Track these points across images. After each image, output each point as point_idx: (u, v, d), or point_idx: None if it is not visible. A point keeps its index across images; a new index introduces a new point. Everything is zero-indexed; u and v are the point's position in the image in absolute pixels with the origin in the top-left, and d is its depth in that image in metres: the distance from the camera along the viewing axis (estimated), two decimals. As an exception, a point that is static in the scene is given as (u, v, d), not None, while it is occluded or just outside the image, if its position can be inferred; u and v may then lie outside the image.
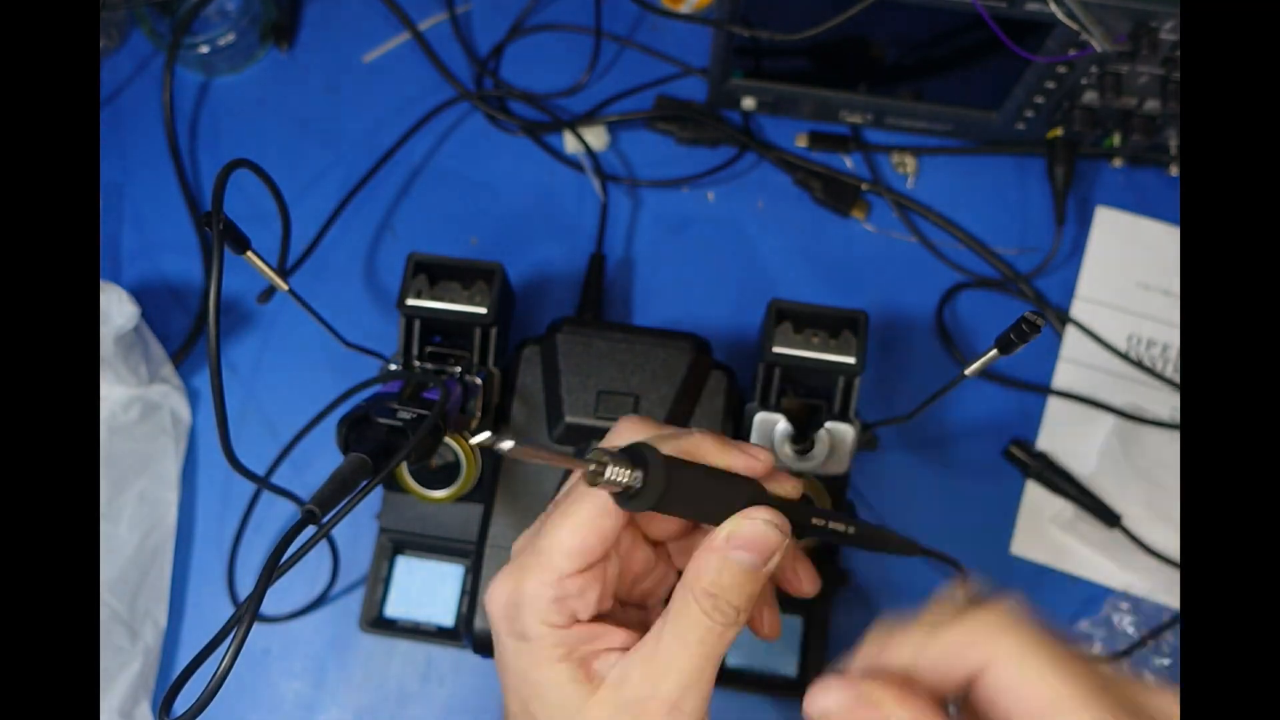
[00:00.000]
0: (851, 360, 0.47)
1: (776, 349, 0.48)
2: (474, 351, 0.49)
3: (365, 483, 0.37)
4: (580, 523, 0.32)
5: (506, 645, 0.33)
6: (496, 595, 0.33)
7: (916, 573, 0.55)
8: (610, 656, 0.32)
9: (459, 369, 0.49)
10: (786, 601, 0.51)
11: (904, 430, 0.56)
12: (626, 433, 0.35)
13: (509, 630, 0.33)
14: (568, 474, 0.48)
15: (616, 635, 0.33)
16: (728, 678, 0.50)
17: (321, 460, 0.57)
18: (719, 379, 0.49)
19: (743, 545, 0.31)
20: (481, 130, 0.63)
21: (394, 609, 0.53)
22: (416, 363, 0.49)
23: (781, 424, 0.48)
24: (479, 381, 0.47)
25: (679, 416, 0.48)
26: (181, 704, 0.30)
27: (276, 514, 0.56)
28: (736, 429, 0.49)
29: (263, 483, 0.40)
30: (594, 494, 0.32)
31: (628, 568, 0.35)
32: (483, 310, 0.49)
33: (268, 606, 0.54)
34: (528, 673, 0.33)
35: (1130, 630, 0.52)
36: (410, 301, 0.49)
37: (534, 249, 0.60)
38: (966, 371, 0.40)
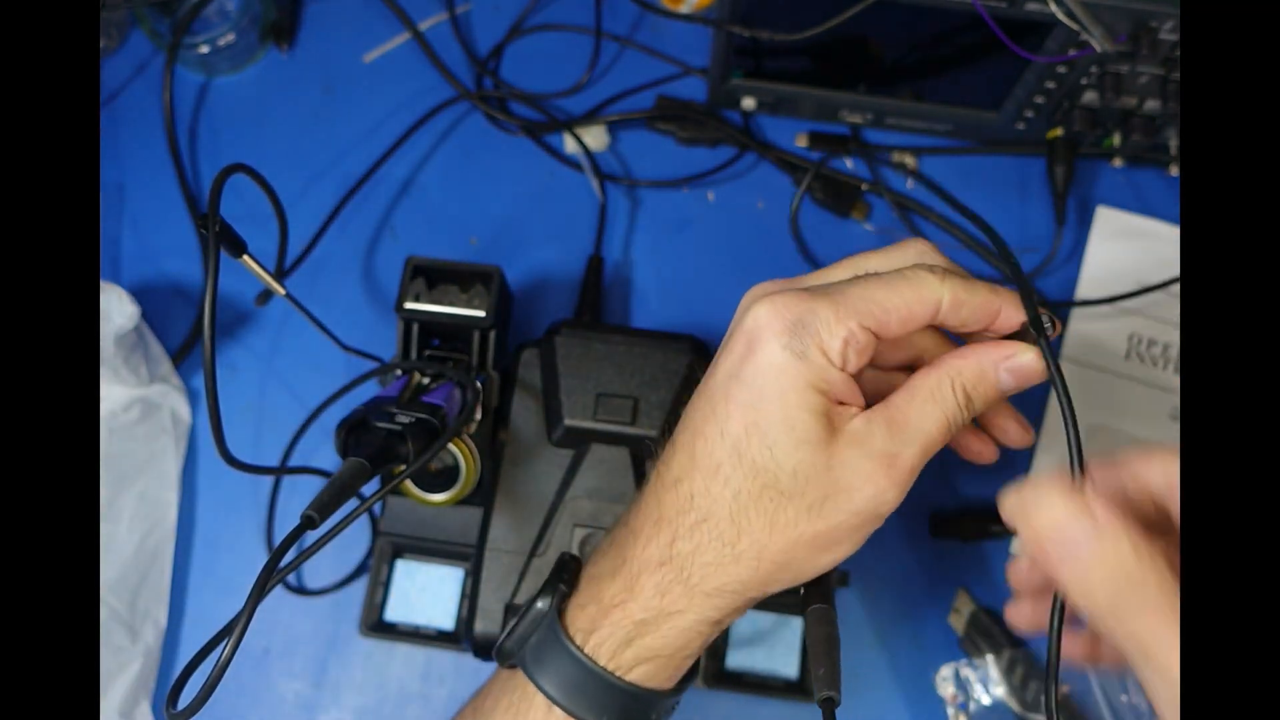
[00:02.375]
0: None
1: None
2: (473, 354, 0.49)
3: (370, 493, 0.38)
4: (906, 295, 0.34)
5: (770, 353, 0.34)
6: (779, 304, 0.34)
7: (920, 569, 0.55)
8: (847, 411, 0.34)
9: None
10: (787, 602, 0.51)
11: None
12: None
13: (785, 341, 0.33)
14: (572, 474, 0.48)
15: (859, 399, 0.35)
16: (729, 679, 0.50)
17: (318, 458, 0.57)
18: None
19: (1013, 371, 0.34)
20: (481, 130, 0.62)
21: (393, 613, 0.53)
22: (423, 378, 0.48)
23: None
24: (480, 386, 0.47)
25: (678, 419, 0.47)
26: (185, 703, 0.30)
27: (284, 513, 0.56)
28: None
29: (257, 470, 0.39)
30: (924, 279, 0.34)
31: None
32: (481, 313, 0.49)
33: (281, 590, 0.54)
34: (780, 388, 0.33)
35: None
36: (409, 305, 0.49)
37: (533, 249, 0.60)
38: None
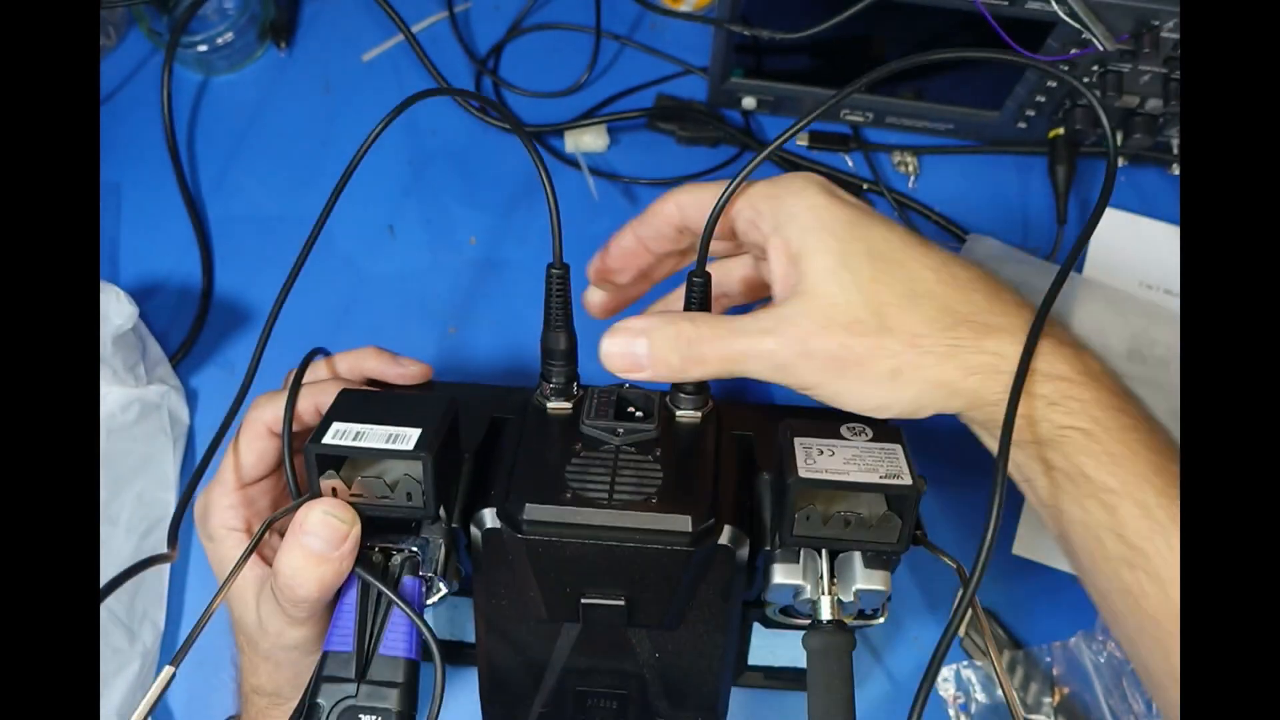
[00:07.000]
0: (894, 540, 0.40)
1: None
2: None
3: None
4: (241, 448, 0.41)
5: (204, 546, 0.42)
6: (196, 507, 0.42)
7: (920, 569, 0.55)
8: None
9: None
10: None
11: (906, 429, 0.56)
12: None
13: (201, 534, 0.42)
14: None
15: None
16: (749, 674, 0.50)
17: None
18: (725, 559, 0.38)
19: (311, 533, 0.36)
20: (480, 130, 0.62)
21: None
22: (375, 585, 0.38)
23: None
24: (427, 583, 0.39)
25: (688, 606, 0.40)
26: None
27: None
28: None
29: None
30: (251, 424, 0.41)
31: None
32: (419, 505, 0.37)
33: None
34: (220, 565, 0.42)
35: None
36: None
37: (533, 248, 0.60)
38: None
